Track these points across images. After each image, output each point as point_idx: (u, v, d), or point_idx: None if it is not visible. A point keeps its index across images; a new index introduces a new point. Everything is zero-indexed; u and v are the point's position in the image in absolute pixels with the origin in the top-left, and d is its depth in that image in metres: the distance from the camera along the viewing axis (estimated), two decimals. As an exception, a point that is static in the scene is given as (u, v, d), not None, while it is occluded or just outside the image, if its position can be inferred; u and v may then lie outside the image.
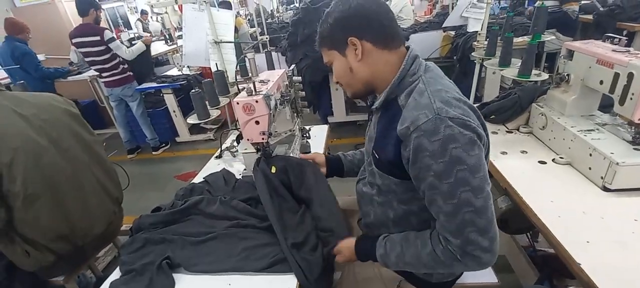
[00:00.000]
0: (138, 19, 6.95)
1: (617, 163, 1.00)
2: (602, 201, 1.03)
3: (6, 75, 3.64)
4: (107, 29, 3.23)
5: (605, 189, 1.05)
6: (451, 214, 0.72)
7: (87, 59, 3.25)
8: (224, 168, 1.49)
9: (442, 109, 0.70)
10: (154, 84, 3.66)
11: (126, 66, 3.45)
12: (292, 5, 6.37)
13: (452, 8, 3.33)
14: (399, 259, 0.85)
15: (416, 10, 4.80)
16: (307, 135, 1.66)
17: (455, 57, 3.02)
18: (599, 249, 0.87)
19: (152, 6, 5.45)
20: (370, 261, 0.93)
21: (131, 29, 7.52)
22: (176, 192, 1.35)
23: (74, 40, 3.14)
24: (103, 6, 6.66)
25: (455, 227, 0.73)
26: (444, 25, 3.16)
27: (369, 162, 0.94)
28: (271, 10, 6.15)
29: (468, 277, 1.08)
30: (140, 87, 3.62)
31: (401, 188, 0.85)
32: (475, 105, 1.61)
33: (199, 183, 1.41)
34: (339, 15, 0.80)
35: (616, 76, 1.04)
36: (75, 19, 3.37)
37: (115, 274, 1.02)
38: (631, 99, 1.00)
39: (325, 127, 1.85)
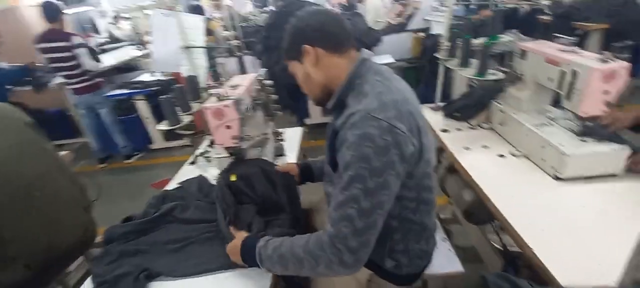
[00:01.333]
0: (110, 23, 6.72)
1: (567, 155, 1.08)
2: (554, 190, 1.11)
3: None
4: (76, 34, 3.12)
5: (557, 179, 1.13)
6: (339, 204, 0.76)
7: (53, 65, 3.11)
8: (200, 175, 1.48)
9: (374, 109, 0.74)
10: (126, 91, 3.56)
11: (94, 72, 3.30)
12: (266, 8, 6.35)
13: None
14: (274, 251, 0.86)
15: (388, 12, 4.92)
16: (281, 138, 1.68)
17: (425, 58, 3.13)
18: (550, 235, 0.93)
19: (116, 14, 5.29)
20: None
21: (99, 33, 7.26)
22: (148, 200, 1.33)
23: (39, 46, 3.01)
24: (69, 11, 6.40)
25: (337, 217, 0.76)
26: (407, 28, 3.26)
27: (327, 161, 0.98)
28: (245, 14, 6.11)
29: (435, 267, 1.13)
30: (111, 93, 3.51)
31: None
32: (441, 104, 1.71)
33: (172, 190, 1.40)
34: (293, 29, 0.90)
35: (562, 73, 1.12)
36: (40, 26, 3.21)
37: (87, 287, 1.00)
38: (576, 94, 1.09)
39: (299, 130, 1.87)
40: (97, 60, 3.28)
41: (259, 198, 1.14)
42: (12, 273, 1.20)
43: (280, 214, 1.10)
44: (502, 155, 1.30)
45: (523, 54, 1.32)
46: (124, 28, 6.59)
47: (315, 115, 3.62)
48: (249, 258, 0.91)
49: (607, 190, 1.07)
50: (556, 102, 1.35)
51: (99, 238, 2.04)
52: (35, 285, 1.35)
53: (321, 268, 0.80)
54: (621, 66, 1.00)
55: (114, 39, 6.29)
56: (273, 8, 5.91)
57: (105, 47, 5.45)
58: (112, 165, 3.72)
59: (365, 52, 0.90)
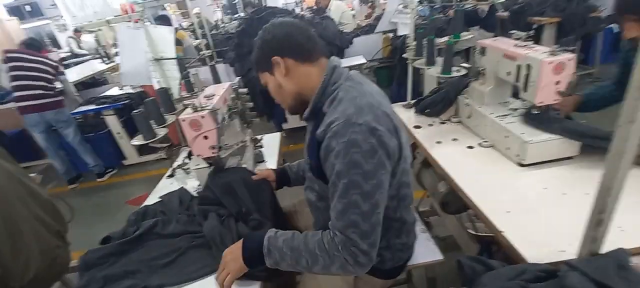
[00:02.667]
0: (70, 37, 6.42)
1: (527, 142, 1.17)
2: (518, 175, 1.19)
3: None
4: (59, 66, 3.04)
5: (521, 165, 1.22)
6: (341, 212, 0.79)
7: (15, 81, 2.90)
8: (181, 188, 1.47)
9: (352, 115, 0.78)
10: (93, 106, 3.42)
11: (59, 88, 3.14)
12: (236, 16, 6.31)
13: (388, 12, 3.55)
14: (285, 243, 0.87)
15: (357, 15, 5.03)
16: (260, 144, 1.69)
17: (395, 58, 3.23)
18: (516, 217, 1.00)
19: (80, 29, 5.09)
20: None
21: (60, 48, 6.92)
22: (128, 217, 1.30)
23: (9, 55, 2.87)
24: (25, 25, 6.06)
25: (341, 225, 0.79)
26: (376, 30, 3.36)
27: (307, 169, 1.01)
28: (215, 21, 6.04)
29: (418, 257, 1.18)
30: (76, 110, 3.35)
31: None
32: (412, 102, 1.78)
33: (152, 205, 1.37)
34: (261, 41, 0.92)
35: (518, 67, 1.21)
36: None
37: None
38: (532, 86, 1.18)
39: (278, 135, 1.89)
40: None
41: (240, 206, 1.15)
42: None
43: (262, 220, 1.11)
44: (471, 147, 1.38)
45: (483, 50, 1.41)
46: (86, 41, 6.33)
47: (293, 119, 3.63)
48: (252, 249, 0.89)
49: (565, 171, 1.17)
50: (515, 94, 1.45)
51: (74, 263, 1.96)
52: None
53: (334, 268, 0.81)
54: (568, 58, 1.09)
55: (75, 54, 6.03)
56: (242, 14, 5.88)
57: (67, 62, 5.21)
58: (83, 185, 3.56)
59: (335, 59, 0.93)
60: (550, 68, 1.10)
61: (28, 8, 6.27)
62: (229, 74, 3.48)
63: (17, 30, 4.87)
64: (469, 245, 1.73)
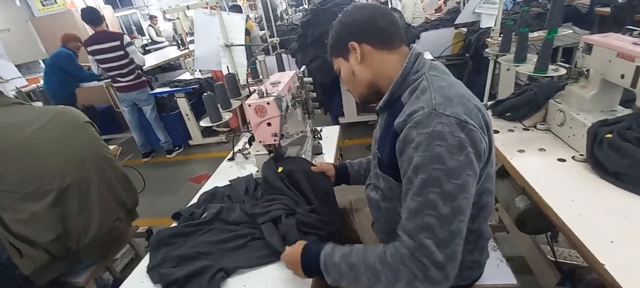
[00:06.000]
0: (149, 25, 7.11)
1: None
2: (625, 199, 0.99)
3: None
4: (124, 33, 3.33)
5: (629, 187, 1.01)
6: (413, 212, 0.68)
7: (103, 66, 3.33)
8: (250, 174, 1.48)
9: (440, 105, 0.68)
10: (167, 89, 3.73)
11: (140, 71, 3.53)
12: (301, 7, 6.40)
13: (464, 5, 3.28)
14: (343, 259, 0.79)
15: (426, 8, 4.75)
16: (319, 136, 1.66)
17: (467, 54, 2.97)
18: (623, 249, 0.83)
19: (164, 12, 5.56)
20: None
21: (144, 35, 7.69)
22: (199, 196, 1.35)
23: (90, 48, 3.23)
24: (118, 14, 6.85)
25: (412, 227, 0.68)
26: (456, 22, 3.11)
27: (374, 165, 0.93)
28: (280, 13, 6.19)
29: (486, 279, 1.06)
30: (154, 91, 3.69)
31: (401, 191, 0.80)
32: (489, 103, 1.60)
33: (221, 187, 1.40)
34: (340, 24, 0.87)
35: (638, 70, 1.00)
36: (90, 27, 3.51)
37: (137, 278, 1.03)
38: (655, 92, 0.96)
39: (337, 128, 1.84)
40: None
41: (298, 195, 1.13)
42: (39, 256, 1.27)
43: (315, 213, 1.08)
44: (562, 160, 1.19)
45: (589, 48, 1.19)
46: (164, 29, 6.95)
47: (349, 114, 3.56)
48: (310, 266, 0.85)
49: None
50: (627, 101, 1.21)
51: (141, 229, 2.15)
52: (58, 271, 1.38)
53: (401, 285, 0.70)
54: None
55: (154, 41, 6.66)
56: (307, 6, 5.95)
57: (149, 47, 5.77)
58: (154, 160, 3.92)
59: (418, 47, 0.84)
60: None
61: (121, -2, 7.11)
62: (290, 66, 3.52)
63: (111, 18, 5.51)
64: (543, 271, 1.52)
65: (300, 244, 0.90)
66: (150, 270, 1.02)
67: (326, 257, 0.82)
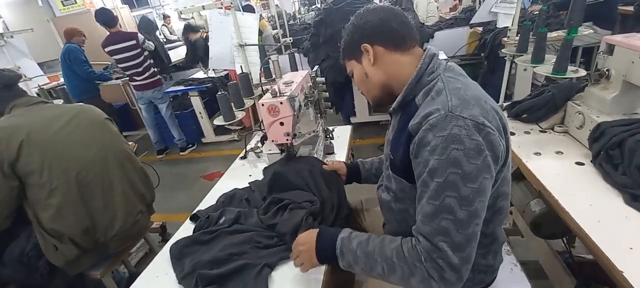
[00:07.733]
0: (162, 24, 7.24)
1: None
2: (647, 205, 0.95)
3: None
4: (136, 32, 3.41)
5: (651, 193, 0.98)
6: (429, 216, 0.68)
7: (121, 65, 3.42)
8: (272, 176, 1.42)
9: (456, 107, 0.67)
10: (182, 87, 3.80)
11: (156, 70, 3.61)
12: (313, 7, 6.41)
13: (479, 4, 3.22)
14: (359, 246, 0.79)
15: (441, 7, 4.68)
16: (331, 135, 1.66)
17: (483, 54, 2.92)
18: (643, 256, 0.81)
19: (180, 12, 5.65)
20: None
21: (160, 35, 7.84)
22: (218, 198, 1.32)
23: (107, 49, 3.30)
24: (134, 13, 7.01)
25: (428, 230, 0.68)
26: (472, 22, 3.06)
27: (386, 166, 0.92)
28: (293, 12, 6.21)
29: (500, 283, 1.04)
30: (169, 90, 3.77)
31: (414, 193, 0.79)
32: (505, 104, 1.57)
33: (240, 189, 1.37)
34: (353, 27, 0.86)
35: (664, 71, 0.96)
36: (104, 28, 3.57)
37: (152, 273, 1.05)
38: (681, 95, 0.93)
39: (349, 128, 1.84)
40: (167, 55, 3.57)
41: (309, 193, 1.13)
42: (70, 250, 1.33)
43: (326, 211, 1.08)
44: (580, 163, 1.15)
45: (610, 48, 1.16)
46: (179, 29, 7.05)
47: (361, 114, 3.55)
48: (325, 249, 0.84)
49: None
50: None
51: (155, 225, 2.20)
52: (88, 264, 1.44)
53: (415, 281, 0.70)
54: None
55: (168, 40, 6.78)
56: (319, 6, 5.95)
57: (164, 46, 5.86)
58: (168, 157, 4.00)
59: (433, 48, 0.83)
60: None
61: (137, -3, 7.27)
62: (302, 65, 3.53)
63: (128, 18, 5.63)
64: (559, 275, 1.48)
65: (313, 231, 0.89)
66: (182, 279, 0.97)
67: (343, 241, 0.82)
